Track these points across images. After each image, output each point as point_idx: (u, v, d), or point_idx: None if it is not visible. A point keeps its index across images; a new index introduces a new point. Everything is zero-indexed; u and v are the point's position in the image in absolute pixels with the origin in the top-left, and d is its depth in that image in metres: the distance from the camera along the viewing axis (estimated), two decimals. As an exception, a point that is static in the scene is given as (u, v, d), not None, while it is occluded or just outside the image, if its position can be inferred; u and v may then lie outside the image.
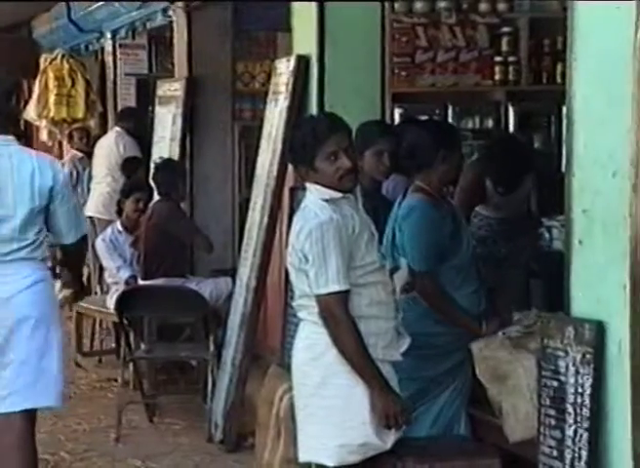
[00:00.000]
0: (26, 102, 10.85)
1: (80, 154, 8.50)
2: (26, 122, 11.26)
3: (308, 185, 3.19)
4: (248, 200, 5.39)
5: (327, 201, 3.10)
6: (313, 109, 4.84)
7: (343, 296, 3.07)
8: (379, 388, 3.07)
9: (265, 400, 4.23)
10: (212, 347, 5.20)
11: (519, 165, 4.29)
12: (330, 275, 3.03)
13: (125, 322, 5.40)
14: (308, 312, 3.16)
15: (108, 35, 9.03)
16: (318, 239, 3.04)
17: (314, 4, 4.79)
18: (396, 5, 5.35)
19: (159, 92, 7.26)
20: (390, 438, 3.13)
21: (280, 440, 4.01)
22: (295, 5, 5.07)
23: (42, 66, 9.45)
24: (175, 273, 5.72)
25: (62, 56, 9.30)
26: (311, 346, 3.16)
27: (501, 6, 5.69)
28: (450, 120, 5.90)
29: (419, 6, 5.43)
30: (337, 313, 3.05)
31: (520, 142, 4.75)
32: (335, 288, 3.04)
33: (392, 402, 3.07)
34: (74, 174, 8.29)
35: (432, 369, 3.56)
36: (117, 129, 7.92)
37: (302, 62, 4.88)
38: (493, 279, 3.96)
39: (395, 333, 3.21)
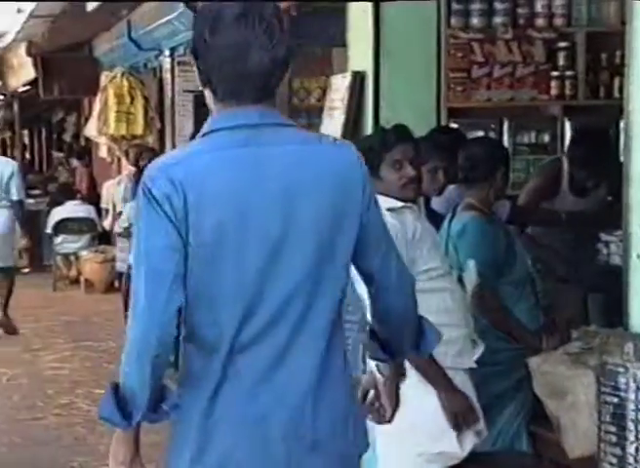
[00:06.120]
0: (87, 119, 11.09)
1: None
2: (87, 138, 11.53)
3: None
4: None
5: (388, 210, 3.16)
6: (369, 125, 4.87)
7: None
8: (444, 388, 3.10)
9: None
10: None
11: (608, 157, 4.31)
12: None
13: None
14: None
15: (167, 53, 9.17)
16: None
17: (370, 20, 4.83)
18: (452, 20, 5.36)
19: (216, 108, 7.34)
20: (467, 445, 3.15)
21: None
22: (351, 21, 5.11)
23: (102, 84, 9.65)
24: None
25: (122, 73, 9.48)
26: None
27: (558, 21, 5.66)
28: (505, 135, 5.88)
29: (475, 21, 5.43)
30: None
31: (609, 136, 4.78)
32: None
33: (459, 400, 3.09)
34: (129, 188, 8.40)
35: (495, 385, 3.56)
36: None
37: (358, 78, 4.92)
38: (551, 294, 3.95)
39: (468, 341, 3.22)
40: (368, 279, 2.15)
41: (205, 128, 2.07)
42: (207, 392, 2.03)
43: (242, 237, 1.99)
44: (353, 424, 2.13)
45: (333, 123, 5.09)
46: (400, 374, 2.42)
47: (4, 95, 15.99)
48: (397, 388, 2.41)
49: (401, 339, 2.23)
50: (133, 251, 2.06)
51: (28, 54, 11.67)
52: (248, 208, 1.99)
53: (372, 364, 2.44)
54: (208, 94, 2.07)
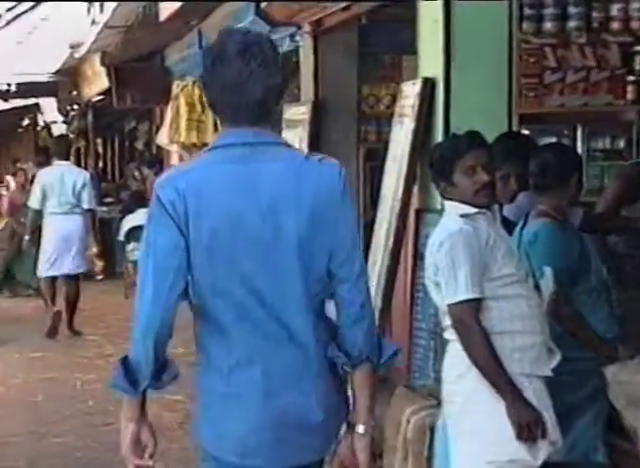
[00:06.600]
0: (158, 128, 11.25)
1: None
2: (158, 146, 11.69)
3: (445, 203, 3.24)
4: (372, 221, 5.42)
5: (462, 216, 3.14)
6: (439, 132, 4.84)
7: (474, 305, 3.09)
8: (511, 398, 3.06)
9: (392, 421, 4.22)
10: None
11: None
12: (459, 284, 3.07)
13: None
14: (451, 332, 3.18)
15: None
16: (448, 250, 3.10)
17: (441, 27, 4.79)
18: (524, 25, 5.29)
19: (286, 115, 7.38)
20: (540, 454, 3.10)
21: (408, 462, 3.99)
22: (421, 28, 5.08)
23: (174, 93, 9.76)
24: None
25: (193, 82, 9.56)
26: (457, 364, 3.19)
27: (635, 24, 5.56)
28: (579, 141, 5.80)
29: (548, 26, 5.36)
30: (467, 321, 3.07)
31: None
32: (463, 296, 3.06)
33: (525, 412, 3.05)
34: None
35: (570, 394, 3.50)
36: None
37: (429, 85, 4.89)
38: (627, 303, 3.88)
39: (544, 349, 3.18)
40: (330, 276, 2.41)
41: (209, 145, 2.45)
42: (221, 369, 2.39)
43: (233, 238, 2.33)
44: (340, 409, 2.45)
45: (403, 130, 5.06)
46: (370, 425, 2.44)
47: (79, 104, 16.30)
48: (372, 440, 2.45)
49: (355, 338, 2.41)
50: (142, 244, 2.40)
51: (102, 64, 11.88)
52: (239, 213, 2.34)
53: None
54: (214, 116, 2.46)
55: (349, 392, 2.48)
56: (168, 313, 2.36)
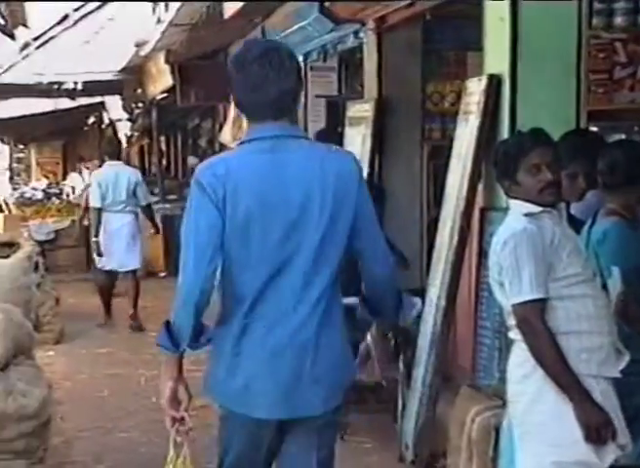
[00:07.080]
0: (221, 126, 11.32)
1: None
2: (221, 144, 11.77)
3: (510, 202, 3.21)
4: (436, 219, 5.38)
5: (526, 215, 3.11)
6: (505, 129, 4.79)
7: (538, 305, 3.05)
8: (578, 399, 3.01)
9: (457, 421, 4.20)
10: (402, 367, 5.20)
11: None
12: (523, 284, 3.04)
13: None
14: (515, 331, 3.15)
15: (300, 58, 9.24)
16: (512, 249, 3.07)
17: (508, 23, 4.74)
18: (594, 20, 5.19)
19: (349, 113, 7.38)
20: (608, 457, 3.05)
21: (472, 462, 3.96)
22: (488, 24, 5.03)
23: (237, 90, 9.80)
24: (351, 292, 5.70)
25: (257, 80, 9.60)
26: (522, 364, 3.15)
27: None
28: (649, 138, 5.67)
29: (619, 20, 5.24)
30: (532, 321, 3.04)
31: None
32: (527, 297, 3.03)
33: (593, 413, 3.00)
34: None
35: (639, 396, 3.43)
36: None
37: (494, 81, 4.84)
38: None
39: (612, 349, 3.12)
40: (358, 253, 2.81)
41: (242, 138, 2.79)
42: (236, 331, 2.72)
43: (264, 218, 2.65)
44: (346, 362, 2.83)
45: (468, 127, 5.02)
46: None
47: (143, 102, 16.47)
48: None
49: (385, 303, 2.93)
50: (184, 224, 2.71)
51: (167, 62, 11.98)
52: (269, 196, 2.66)
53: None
54: (241, 114, 2.81)
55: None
56: (206, 285, 2.67)
